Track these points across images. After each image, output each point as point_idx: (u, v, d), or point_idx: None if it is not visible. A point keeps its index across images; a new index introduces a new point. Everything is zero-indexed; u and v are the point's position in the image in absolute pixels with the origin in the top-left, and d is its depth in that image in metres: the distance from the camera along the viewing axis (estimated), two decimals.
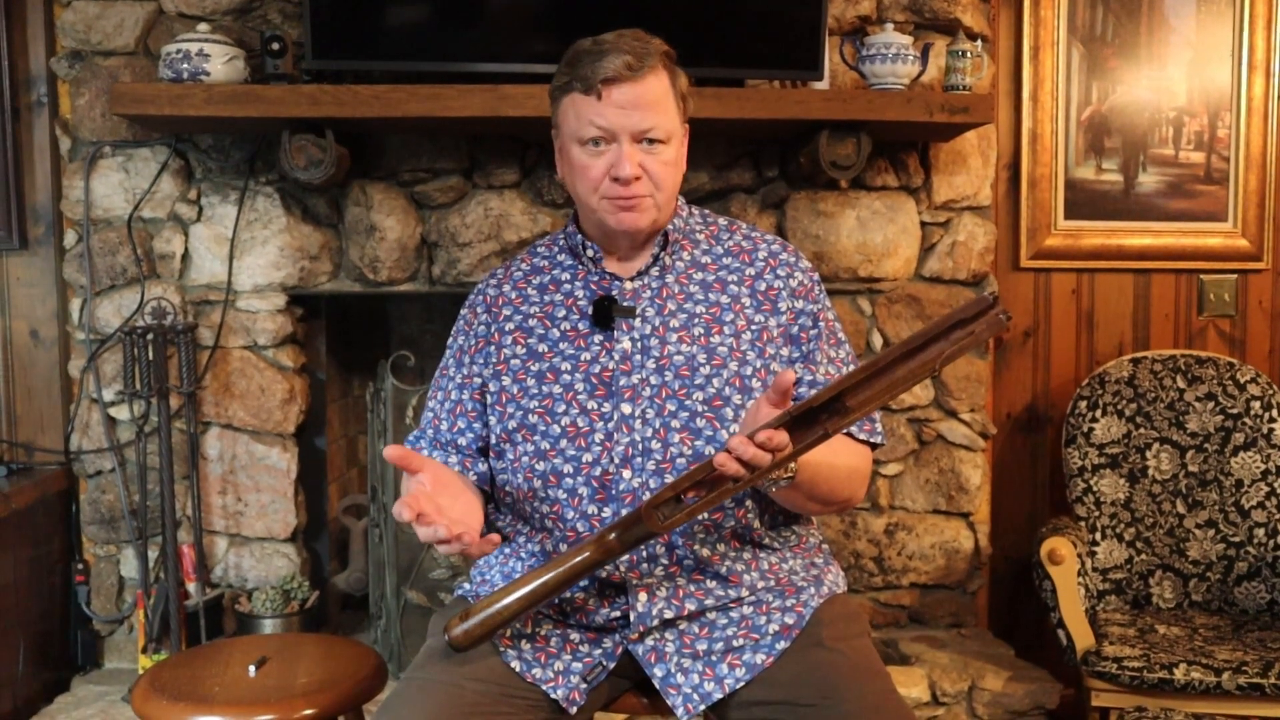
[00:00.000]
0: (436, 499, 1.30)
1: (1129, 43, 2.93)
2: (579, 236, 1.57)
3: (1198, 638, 2.44)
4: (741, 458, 1.24)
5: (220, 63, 2.38)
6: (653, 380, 1.48)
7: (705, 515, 1.45)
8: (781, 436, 1.24)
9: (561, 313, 1.55)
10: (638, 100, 1.43)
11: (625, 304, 1.52)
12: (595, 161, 1.47)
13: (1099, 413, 2.72)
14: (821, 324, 1.56)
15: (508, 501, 1.55)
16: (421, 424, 1.63)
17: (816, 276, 1.60)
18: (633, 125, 1.44)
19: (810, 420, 1.27)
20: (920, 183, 2.74)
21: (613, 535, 1.35)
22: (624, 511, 1.44)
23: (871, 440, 1.54)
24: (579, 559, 1.36)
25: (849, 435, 1.49)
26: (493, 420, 1.55)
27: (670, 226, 1.55)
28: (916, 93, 2.52)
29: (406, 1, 2.46)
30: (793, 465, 1.32)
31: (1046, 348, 2.98)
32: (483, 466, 1.58)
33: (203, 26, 2.43)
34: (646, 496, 1.44)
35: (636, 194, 1.46)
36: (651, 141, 1.46)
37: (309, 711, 1.65)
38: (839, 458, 1.44)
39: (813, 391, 1.51)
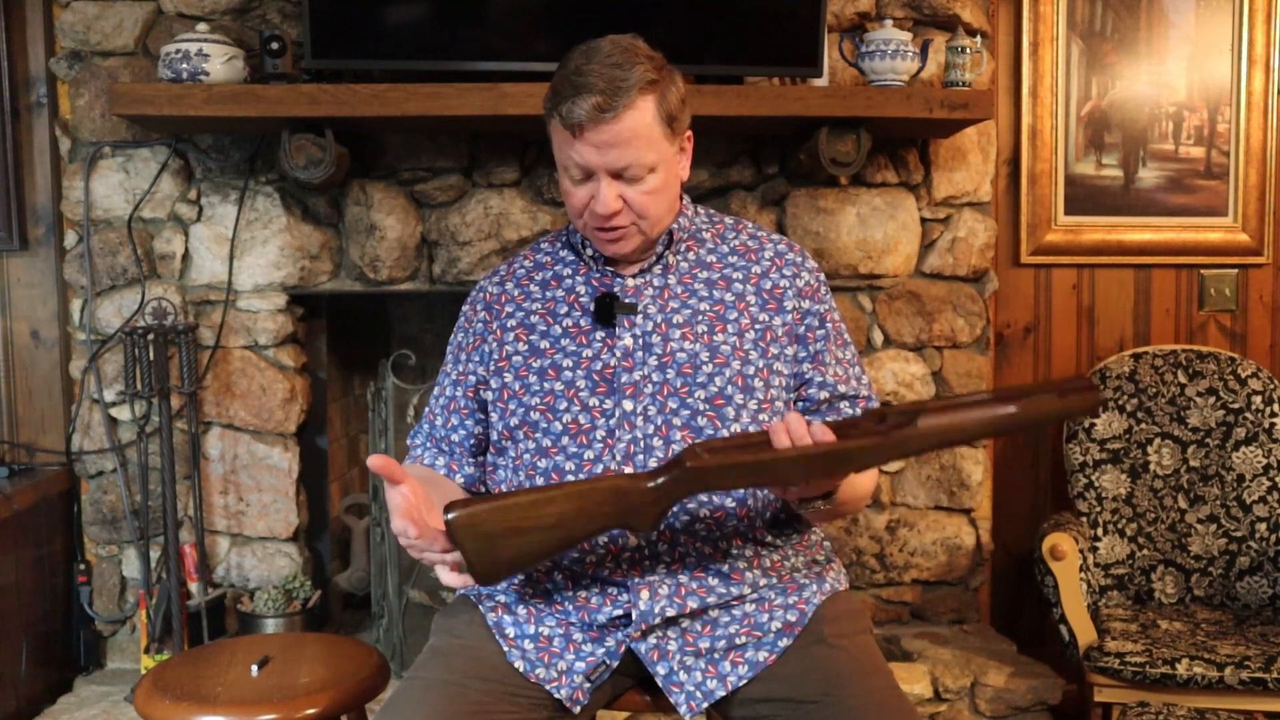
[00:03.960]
0: (420, 512, 1.29)
1: (1128, 38, 2.93)
2: (579, 235, 1.57)
3: (1200, 633, 2.44)
4: (789, 428, 1.25)
5: (219, 62, 2.37)
6: (654, 377, 1.48)
7: (708, 512, 1.46)
8: (827, 433, 1.26)
9: (563, 309, 1.55)
10: (615, 139, 1.42)
11: (627, 300, 1.52)
12: (578, 190, 1.47)
13: (1100, 408, 2.72)
14: (829, 324, 1.57)
15: None
16: (421, 420, 1.64)
17: (823, 277, 1.61)
18: (609, 164, 1.43)
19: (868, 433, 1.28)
20: (920, 179, 2.74)
21: (655, 478, 1.29)
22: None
23: None
24: (606, 483, 1.30)
25: None
26: (494, 417, 1.55)
27: (675, 226, 1.55)
28: (916, 89, 2.52)
29: (406, 0, 2.46)
30: (833, 495, 1.37)
31: (1047, 343, 2.97)
32: (470, 469, 1.58)
33: (202, 26, 2.43)
34: None
35: (618, 225, 1.47)
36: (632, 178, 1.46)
37: (311, 711, 1.65)
38: (863, 480, 1.49)
39: (824, 394, 1.55)
